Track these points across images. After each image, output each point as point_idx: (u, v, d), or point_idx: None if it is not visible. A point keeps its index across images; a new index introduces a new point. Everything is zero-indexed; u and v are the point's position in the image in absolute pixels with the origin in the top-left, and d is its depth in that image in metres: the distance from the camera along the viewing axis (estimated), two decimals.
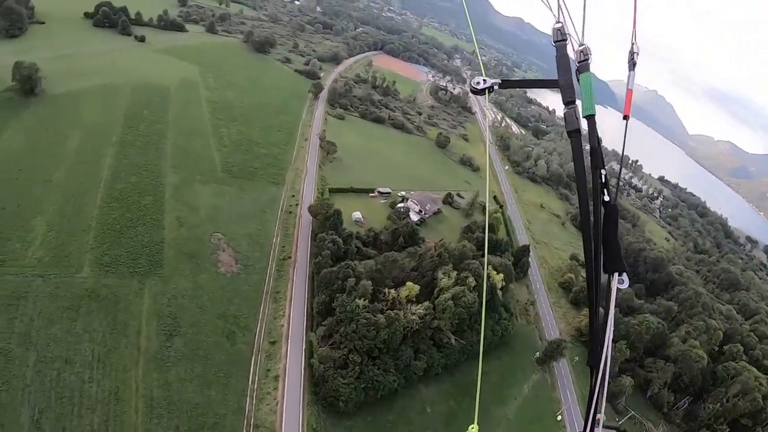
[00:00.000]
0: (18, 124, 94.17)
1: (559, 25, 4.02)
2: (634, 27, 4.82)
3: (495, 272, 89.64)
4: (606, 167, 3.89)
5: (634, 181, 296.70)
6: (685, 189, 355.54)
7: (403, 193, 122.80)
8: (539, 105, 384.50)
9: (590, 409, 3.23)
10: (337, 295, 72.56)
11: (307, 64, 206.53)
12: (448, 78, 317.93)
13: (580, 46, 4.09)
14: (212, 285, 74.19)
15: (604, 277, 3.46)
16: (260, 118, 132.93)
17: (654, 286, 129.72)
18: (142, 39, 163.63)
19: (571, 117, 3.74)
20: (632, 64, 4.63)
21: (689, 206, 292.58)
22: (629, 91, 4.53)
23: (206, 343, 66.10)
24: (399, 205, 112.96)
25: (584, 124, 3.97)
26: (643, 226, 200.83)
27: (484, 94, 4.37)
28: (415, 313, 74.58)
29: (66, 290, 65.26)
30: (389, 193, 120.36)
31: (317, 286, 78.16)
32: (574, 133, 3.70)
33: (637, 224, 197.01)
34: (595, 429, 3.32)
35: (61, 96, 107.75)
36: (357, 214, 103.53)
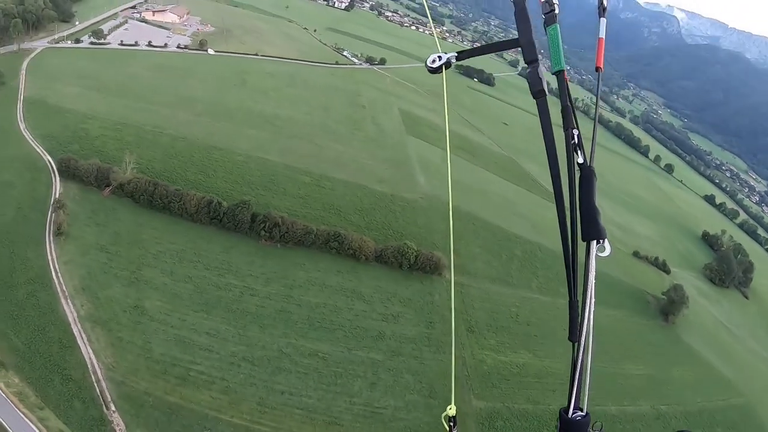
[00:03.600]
0: None
1: None
2: None
3: None
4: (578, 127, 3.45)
5: None
6: None
7: None
8: None
9: (573, 386, 3.00)
10: None
11: None
12: None
13: None
14: None
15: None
16: None
17: None
18: None
19: (534, 77, 3.24)
20: (602, 10, 4.11)
21: None
22: (600, 41, 4.09)
23: None
24: None
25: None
26: None
27: (442, 71, 3.82)
28: None
29: None
30: None
31: None
32: (539, 94, 3.24)
33: None
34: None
35: None
36: None
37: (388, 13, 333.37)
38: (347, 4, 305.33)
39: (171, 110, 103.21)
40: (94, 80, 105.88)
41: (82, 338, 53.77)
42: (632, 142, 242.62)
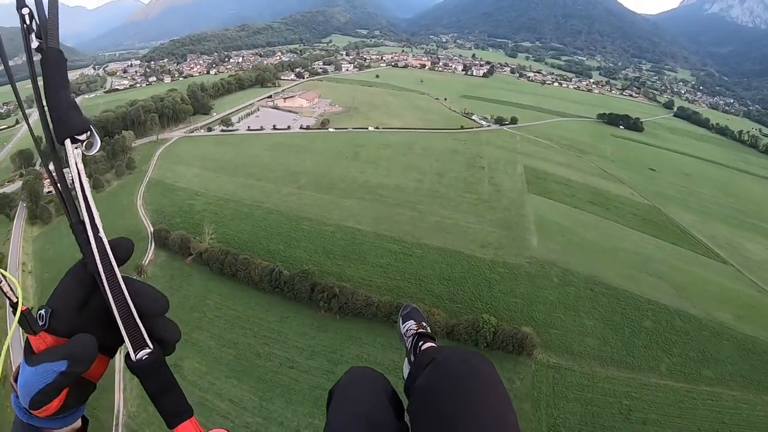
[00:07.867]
0: None
1: None
2: None
3: None
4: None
5: None
6: None
7: None
8: None
9: (120, 328, 2.11)
10: None
11: None
12: None
13: None
14: None
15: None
16: None
17: None
18: None
19: None
20: None
21: None
22: None
23: None
24: None
25: None
26: None
27: None
28: None
29: None
30: None
31: None
32: None
33: None
34: None
35: None
36: None
37: (530, 74, 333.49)
38: (486, 70, 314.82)
39: (275, 185, 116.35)
40: (214, 162, 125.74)
41: (119, 386, 62.81)
42: None
